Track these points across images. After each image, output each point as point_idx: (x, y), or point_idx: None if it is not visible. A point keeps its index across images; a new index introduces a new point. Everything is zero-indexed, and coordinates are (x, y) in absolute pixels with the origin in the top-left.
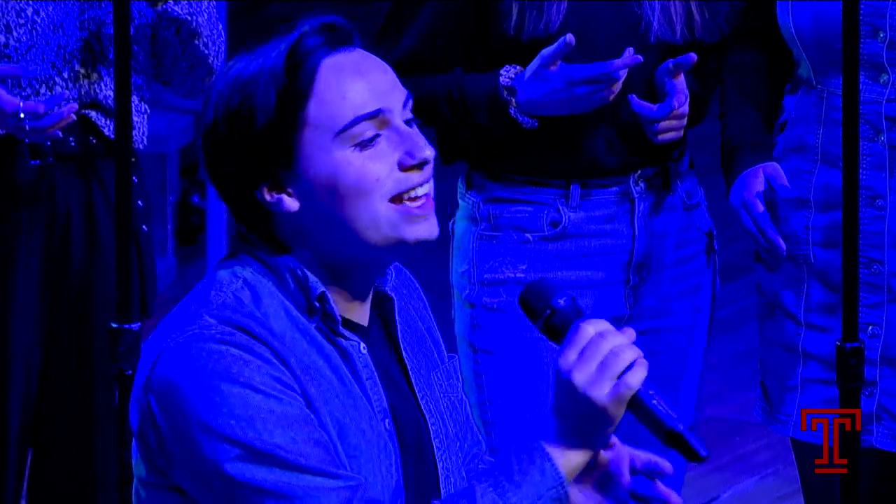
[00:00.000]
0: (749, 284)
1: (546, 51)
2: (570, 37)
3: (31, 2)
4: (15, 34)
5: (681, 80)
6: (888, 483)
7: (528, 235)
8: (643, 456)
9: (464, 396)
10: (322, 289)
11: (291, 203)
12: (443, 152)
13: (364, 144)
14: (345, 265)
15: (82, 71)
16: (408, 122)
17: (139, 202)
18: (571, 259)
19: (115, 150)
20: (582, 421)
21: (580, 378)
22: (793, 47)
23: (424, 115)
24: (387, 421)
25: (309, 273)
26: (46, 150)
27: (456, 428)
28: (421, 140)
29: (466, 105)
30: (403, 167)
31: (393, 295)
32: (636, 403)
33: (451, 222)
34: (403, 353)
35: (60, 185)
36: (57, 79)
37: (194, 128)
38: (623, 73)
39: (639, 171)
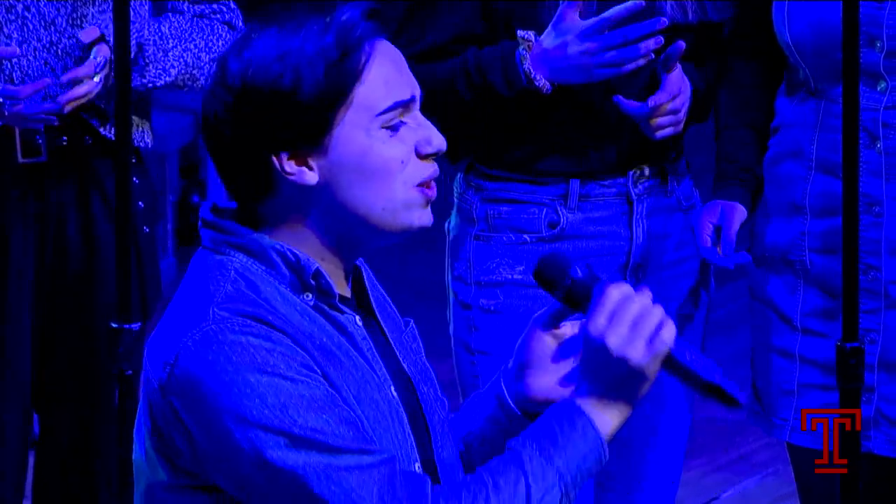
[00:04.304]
0: (746, 285)
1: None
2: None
3: None
4: (6, 30)
5: (674, 76)
6: (885, 486)
7: (525, 236)
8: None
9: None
10: (316, 265)
11: (311, 177)
12: (449, 150)
13: (393, 128)
14: (341, 242)
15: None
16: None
17: (140, 203)
18: None
19: (116, 150)
20: (619, 382)
21: (614, 341)
22: (790, 55)
23: (439, 101)
24: (392, 388)
25: (298, 251)
26: (39, 148)
27: (433, 389)
28: (436, 130)
29: (481, 65)
30: (420, 154)
31: (359, 264)
32: (670, 360)
33: (447, 223)
34: (380, 319)
35: (54, 184)
36: (49, 76)
37: (194, 128)
38: (640, 50)
39: (636, 171)
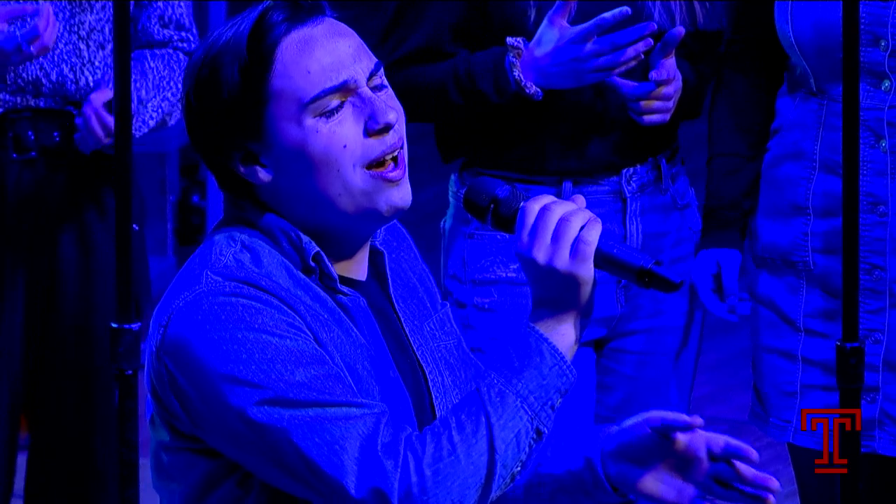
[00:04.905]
0: (747, 285)
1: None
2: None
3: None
4: None
5: (670, 62)
6: (889, 486)
7: None
8: (721, 440)
9: (461, 340)
10: (316, 249)
11: (264, 175)
12: (442, 149)
13: (329, 114)
14: (324, 232)
15: (70, 76)
16: (377, 88)
17: None
18: None
19: (116, 151)
20: (558, 294)
21: (540, 255)
22: (792, 54)
23: (430, 103)
24: (391, 371)
25: (301, 234)
26: (30, 145)
27: (453, 376)
28: (385, 104)
29: (472, 72)
30: (370, 132)
31: (383, 249)
32: (600, 257)
33: (443, 221)
34: (396, 305)
35: (46, 181)
36: (44, 80)
37: None
38: (630, 53)
39: (630, 169)
